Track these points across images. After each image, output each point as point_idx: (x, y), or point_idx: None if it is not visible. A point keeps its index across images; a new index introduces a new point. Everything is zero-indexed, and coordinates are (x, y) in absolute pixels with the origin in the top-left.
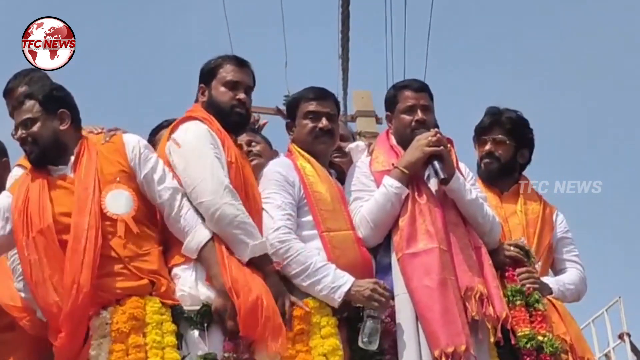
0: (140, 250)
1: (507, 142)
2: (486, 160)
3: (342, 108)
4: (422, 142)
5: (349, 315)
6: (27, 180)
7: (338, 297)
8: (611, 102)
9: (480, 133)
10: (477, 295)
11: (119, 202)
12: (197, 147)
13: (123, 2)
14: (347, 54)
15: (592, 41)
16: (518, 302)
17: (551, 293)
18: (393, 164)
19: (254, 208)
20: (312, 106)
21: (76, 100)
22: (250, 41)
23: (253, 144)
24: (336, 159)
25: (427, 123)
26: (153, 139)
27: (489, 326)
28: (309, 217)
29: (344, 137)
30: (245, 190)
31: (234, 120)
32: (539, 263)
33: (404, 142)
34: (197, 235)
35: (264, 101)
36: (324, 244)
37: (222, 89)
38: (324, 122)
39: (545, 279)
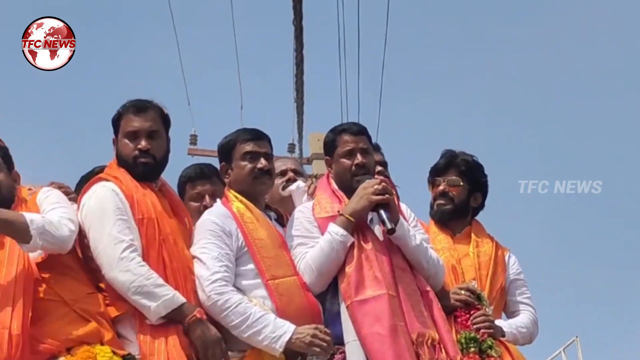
0: (84, 293)
1: (461, 183)
2: (440, 200)
3: (297, 151)
4: (368, 190)
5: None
6: None
7: (279, 347)
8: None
9: (435, 174)
10: (429, 341)
11: None
12: (97, 214)
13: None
14: (302, 97)
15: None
16: (472, 350)
17: (504, 335)
18: (338, 211)
19: (177, 259)
20: (249, 146)
21: None
22: (206, 84)
23: (217, 197)
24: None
25: (367, 166)
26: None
27: None
28: (251, 266)
29: (297, 172)
30: (163, 243)
31: (140, 171)
32: (491, 307)
33: (345, 186)
34: None
35: None
36: (270, 292)
37: (125, 140)
38: (262, 162)
39: (498, 322)
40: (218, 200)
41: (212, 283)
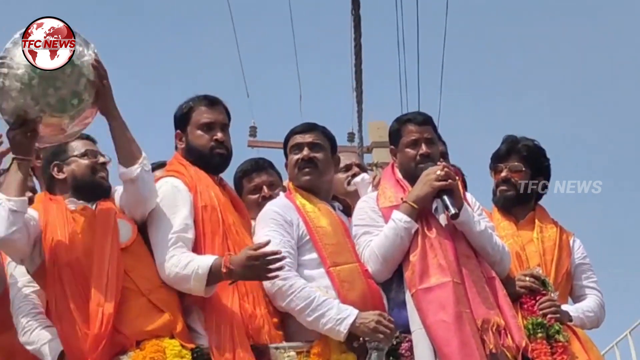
0: (158, 282)
1: (524, 169)
2: (502, 187)
3: (357, 140)
4: (431, 176)
5: (361, 345)
6: (49, 209)
7: (343, 329)
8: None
9: (497, 160)
10: (494, 327)
11: (122, 230)
12: (154, 214)
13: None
14: (361, 86)
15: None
16: (539, 335)
17: (571, 320)
18: (402, 199)
19: (240, 248)
20: (294, 140)
21: None
22: (264, 75)
23: (274, 187)
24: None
25: (431, 156)
26: None
27: (509, 356)
28: (314, 255)
29: (361, 167)
30: (225, 230)
31: (216, 162)
32: (557, 292)
33: (409, 176)
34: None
35: (280, 135)
36: (332, 279)
37: (198, 132)
38: (304, 151)
39: (564, 307)
40: (281, 193)
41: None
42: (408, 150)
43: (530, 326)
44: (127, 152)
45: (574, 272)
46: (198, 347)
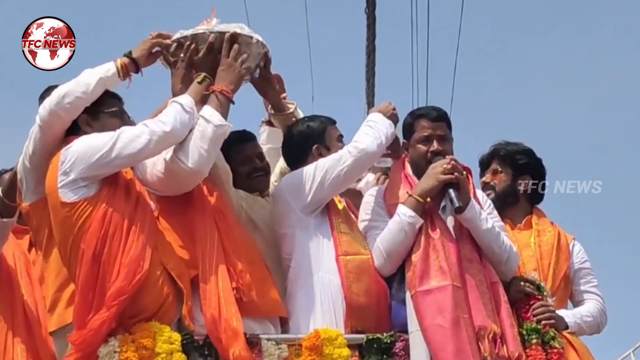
0: None
1: (500, 170)
2: (485, 192)
3: None
4: (437, 169)
5: (361, 344)
6: None
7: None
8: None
9: (482, 168)
10: (491, 335)
11: None
12: None
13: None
14: (373, 88)
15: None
16: (534, 341)
17: (567, 327)
18: (407, 192)
19: None
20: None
21: None
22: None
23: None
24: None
25: (443, 153)
26: None
27: None
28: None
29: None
30: None
31: None
32: (554, 298)
33: (419, 172)
34: None
35: None
36: (339, 268)
37: None
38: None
39: (561, 312)
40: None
41: None
42: (420, 146)
43: (524, 332)
44: None
45: (573, 277)
46: (188, 333)
